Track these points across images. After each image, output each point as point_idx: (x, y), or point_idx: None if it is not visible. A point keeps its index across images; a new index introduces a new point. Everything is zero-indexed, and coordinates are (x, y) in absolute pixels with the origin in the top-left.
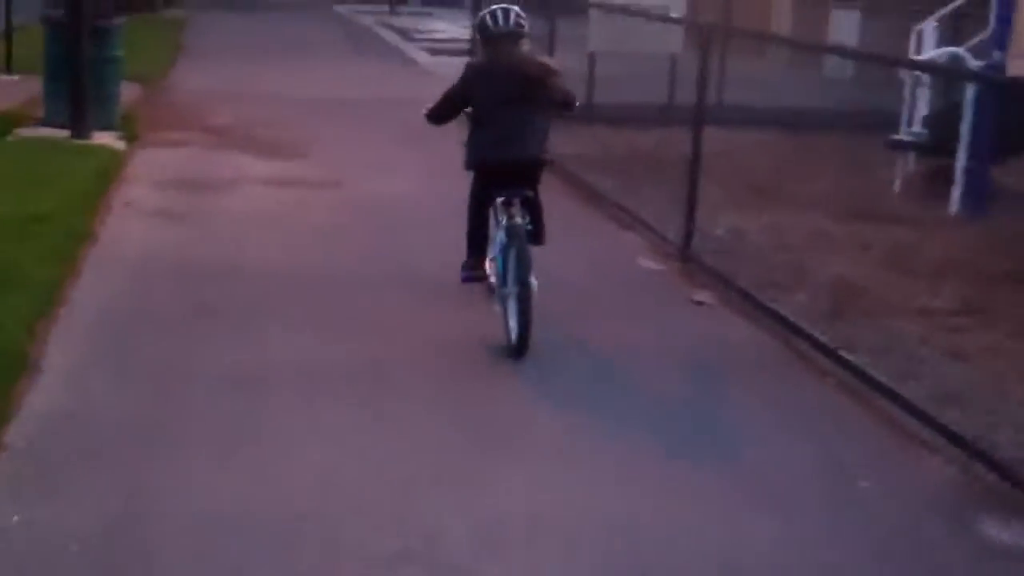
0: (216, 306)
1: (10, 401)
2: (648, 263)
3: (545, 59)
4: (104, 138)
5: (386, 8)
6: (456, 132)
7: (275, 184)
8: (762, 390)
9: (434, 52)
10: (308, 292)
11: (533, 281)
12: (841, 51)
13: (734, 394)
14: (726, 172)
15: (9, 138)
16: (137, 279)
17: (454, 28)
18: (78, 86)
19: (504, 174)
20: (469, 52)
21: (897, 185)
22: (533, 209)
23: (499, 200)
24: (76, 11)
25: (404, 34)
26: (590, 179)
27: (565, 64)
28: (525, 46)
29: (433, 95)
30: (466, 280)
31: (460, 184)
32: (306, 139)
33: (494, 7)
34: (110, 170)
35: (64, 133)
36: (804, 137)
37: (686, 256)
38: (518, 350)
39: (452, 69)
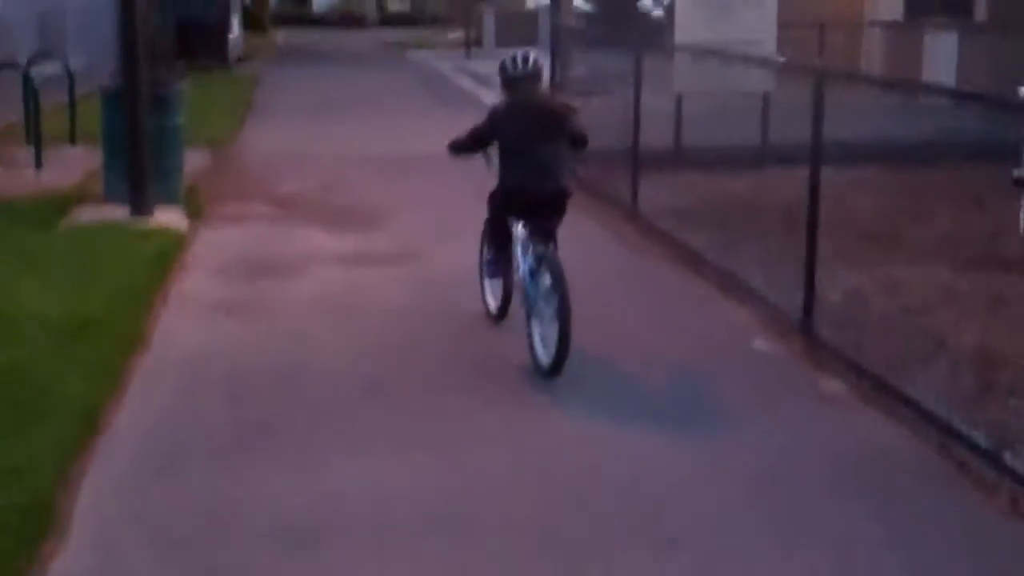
0: (274, 425)
1: (35, 567)
2: (762, 344)
3: (563, 99)
4: (166, 215)
5: (462, 52)
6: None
7: (346, 262)
8: (925, 526)
9: (484, 83)
10: (381, 401)
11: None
12: (966, 95)
13: (887, 535)
14: (831, 219)
15: (63, 222)
16: (187, 394)
17: None
18: (137, 161)
19: (537, 205)
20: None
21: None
22: (553, 243)
23: (525, 230)
24: (133, 80)
25: (481, 80)
26: (684, 235)
27: (650, 105)
28: (542, 87)
29: None
30: (488, 276)
31: (572, 254)
32: (381, 204)
33: (514, 52)
34: (169, 255)
35: (123, 212)
36: (909, 173)
37: (806, 332)
38: (554, 367)
39: None
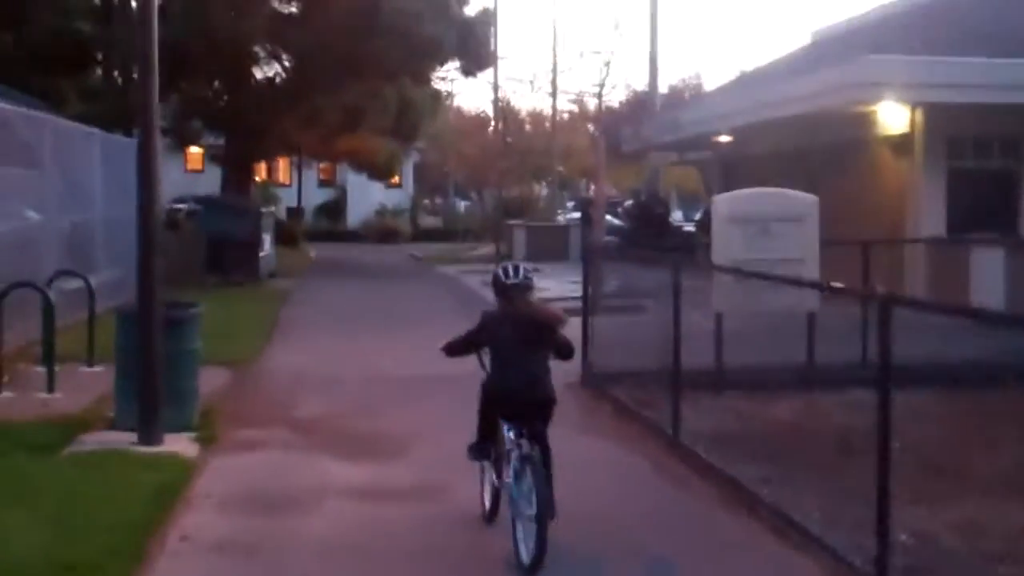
0: None
1: None
2: None
3: (556, 310)
4: (176, 442)
5: (492, 266)
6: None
7: (363, 497)
8: None
9: None
10: None
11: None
12: None
13: None
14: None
15: (66, 449)
16: None
17: (560, 286)
18: (148, 387)
19: (521, 408)
20: (583, 312)
21: None
22: (546, 452)
23: (511, 433)
24: (147, 303)
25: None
26: (732, 468)
27: (690, 321)
28: (533, 296)
29: None
30: (473, 456)
31: (606, 487)
32: (405, 429)
33: (505, 263)
34: (173, 488)
35: (131, 438)
36: (970, 396)
37: None
38: (532, 568)
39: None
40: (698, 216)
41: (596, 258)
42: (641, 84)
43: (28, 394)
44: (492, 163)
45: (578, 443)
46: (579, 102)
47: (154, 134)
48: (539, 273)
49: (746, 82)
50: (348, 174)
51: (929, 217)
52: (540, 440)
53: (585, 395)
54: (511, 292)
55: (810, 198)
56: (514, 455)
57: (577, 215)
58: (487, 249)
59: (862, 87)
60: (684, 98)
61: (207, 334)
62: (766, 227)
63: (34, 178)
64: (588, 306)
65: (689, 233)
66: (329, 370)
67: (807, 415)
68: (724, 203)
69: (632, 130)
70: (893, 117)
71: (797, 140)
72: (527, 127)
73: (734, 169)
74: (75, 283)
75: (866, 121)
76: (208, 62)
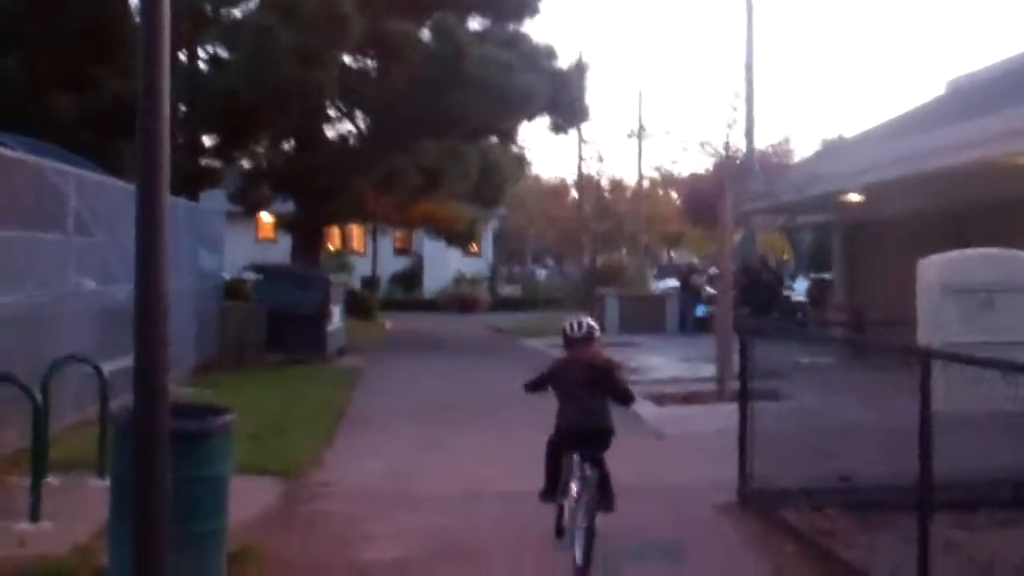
0: None
1: None
2: None
3: (609, 356)
4: None
5: None
6: None
7: None
8: None
9: (659, 401)
10: None
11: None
12: None
13: None
14: None
15: None
16: None
17: (671, 364)
18: (145, 533)
19: (581, 438)
20: (740, 405)
21: None
22: (602, 474)
23: (576, 458)
24: (148, 412)
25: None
26: None
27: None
28: (597, 345)
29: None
30: (543, 500)
31: None
32: None
33: (571, 320)
34: None
35: None
36: None
37: None
38: (584, 560)
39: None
40: (805, 285)
41: (750, 337)
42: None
43: (3, 524)
44: (584, 228)
45: None
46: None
47: (160, 176)
48: (639, 348)
49: (880, 135)
50: (425, 241)
51: None
52: (597, 465)
53: (748, 524)
54: (576, 343)
55: None
56: (577, 477)
57: (669, 284)
58: None
59: None
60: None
61: (253, 432)
62: (990, 300)
63: (87, 244)
64: (746, 398)
65: (800, 303)
66: (410, 484)
67: None
68: (934, 269)
69: (766, 186)
70: None
71: (947, 198)
72: (607, 194)
73: (860, 233)
74: (118, 364)
75: None
76: (274, 117)
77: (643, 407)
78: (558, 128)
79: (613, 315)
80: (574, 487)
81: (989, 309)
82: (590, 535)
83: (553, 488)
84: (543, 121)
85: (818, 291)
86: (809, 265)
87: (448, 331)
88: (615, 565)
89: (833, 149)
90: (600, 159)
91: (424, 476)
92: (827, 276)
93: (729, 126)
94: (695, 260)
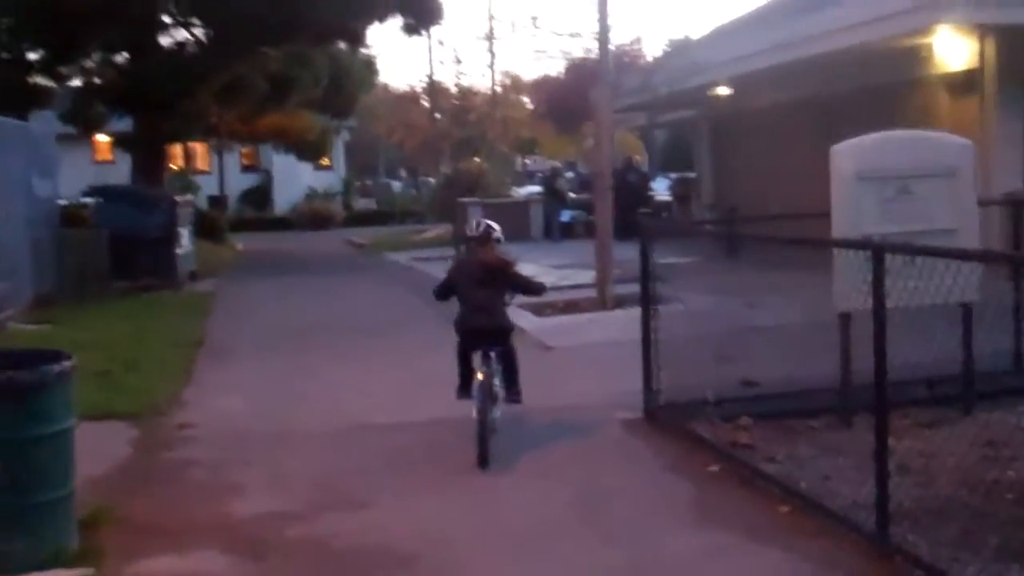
0: None
1: None
2: None
3: (504, 255)
4: None
5: (449, 252)
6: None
7: None
8: None
9: (538, 311)
10: None
11: (497, 413)
12: None
13: None
14: None
15: None
16: None
17: (543, 272)
18: None
19: (476, 335)
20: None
21: None
22: (508, 363)
23: (478, 353)
24: None
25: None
26: None
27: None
28: (495, 247)
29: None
30: (459, 397)
31: None
32: (420, 533)
33: (472, 221)
34: None
35: None
36: None
37: None
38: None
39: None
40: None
41: (651, 238)
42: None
43: None
44: (443, 136)
45: (704, 552)
46: (510, 74)
47: None
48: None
49: (743, 26)
50: (273, 156)
51: (1004, 173)
52: (501, 357)
53: (660, 441)
54: (473, 243)
55: (963, 143)
56: (481, 367)
57: (532, 190)
58: (437, 231)
59: (914, 12)
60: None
61: (102, 368)
62: (906, 186)
63: None
64: (648, 305)
65: (666, 202)
66: (283, 421)
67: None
68: (847, 156)
69: (641, 80)
70: (954, 49)
71: (816, 87)
72: (456, 101)
73: (727, 128)
74: None
75: (913, 58)
76: (104, 27)
77: (523, 317)
78: (411, 29)
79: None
80: (479, 375)
81: (905, 197)
82: (490, 429)
83: (466, 386)
84: (395, 23)
85: (683, 189)
86: (663, 165)
87: (305, 249)
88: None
89: (697, 44)
90: (457, 61)
91: (298, 411)
92: (689, 174)
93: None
94: (557, 164)
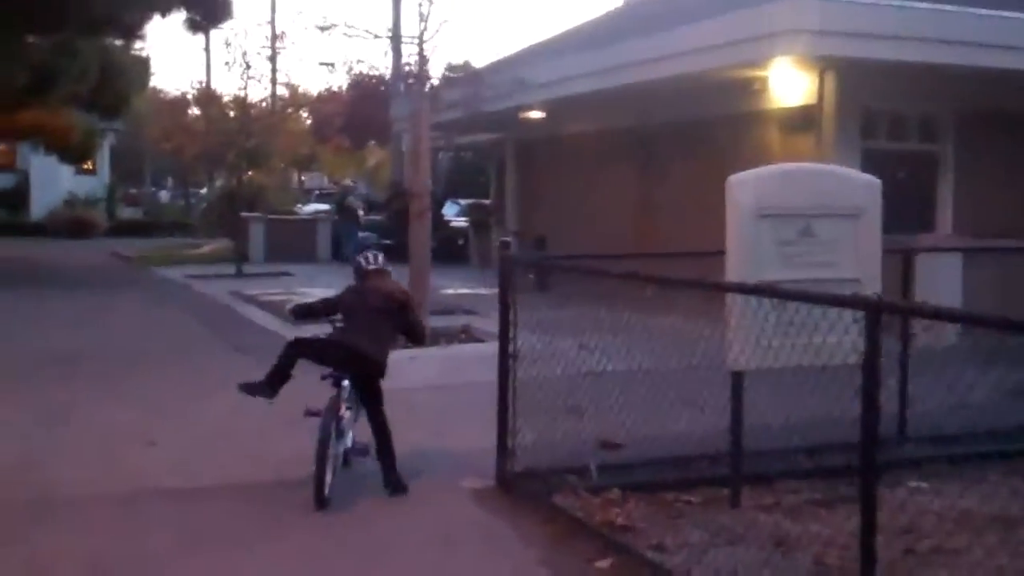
0: None
1: None
2: None
3: (404, 289)
4: None
5: (225, 269)
6: None
7: None
8: None
9: None
10: None
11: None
12: None
13: None
14: None
15: None
16: None
17: (332, 292)
18: None
19: (348, 356)
20: (500, 364)
21: None
22: (374, 407)
23: (346, 386)
24: None
25: (280, 313)
26: None
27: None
28: (389, 279)
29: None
30: (246, 391)
31: None
32: None
33: (366, 253)
34: None
35: None
36: None
37: None
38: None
39: (402, 381)
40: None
41: (514, 269)
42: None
43: None
44: (227, 146)
45: None
46: (291, 87)
47: None
48: (294, 278)
49: (560, 48)
50: (31, 156)
51: None
52: (374, 416)
53: (523, 517)
54: (371, 275)
55: (870, 181)
56: (347, 405)
57: (315, 207)
58: (213, 246)
59: (751, 42)
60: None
61: None
62: (808, 227)
63: None
64: (507, 351)
65: (461, 229)
66: (35, 486)
67: None
68: (747, 189)
69: (463, 94)
70: (791, 83)
71: (640, 116)
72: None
73: (537, 153)
74: None
75: (746, 91)
76: None
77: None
78: (195, 26)
79: (258, 242)
80: (347, 414)
81: (809, 238)
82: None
83: (271, 384)
84: (178, 17)
85: (479, 216)
86: (446, 190)
87: (64, 259)
88: None
89: (516, 61)
90: (246, 66)
91: (60, 469)
92: (484, 201)
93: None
94: (348, 181)
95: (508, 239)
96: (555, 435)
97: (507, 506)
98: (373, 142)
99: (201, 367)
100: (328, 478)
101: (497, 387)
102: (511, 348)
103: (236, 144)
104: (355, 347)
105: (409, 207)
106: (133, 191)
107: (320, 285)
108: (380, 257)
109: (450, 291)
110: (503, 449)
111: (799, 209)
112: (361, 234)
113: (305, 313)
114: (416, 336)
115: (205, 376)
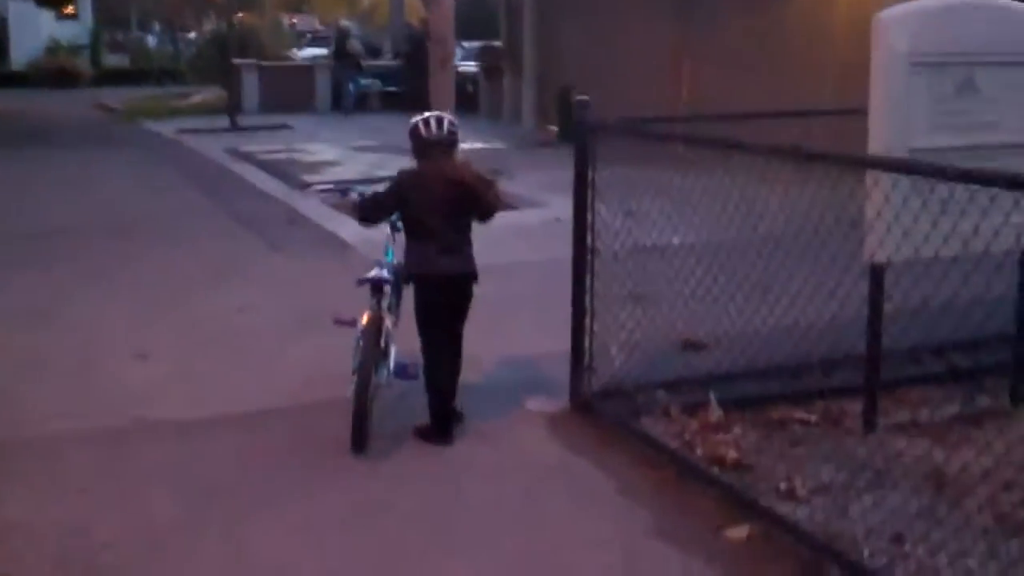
0: None
1: None
2: None
3: (477, 168)
4: None
5: (219, 122)
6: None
7: None
8: None
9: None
10: None
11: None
12: None
13: None
14: None
15: None
16: None
17: (347, 156)
18: None
19: (448, 289)
20: (575, 261)
21: None
22: (455, 360)
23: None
24: None
25: (284, 175)
26: None
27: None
28: (458, 155)
29: None
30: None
31: None
32: None
33: (427, 115)
34: None
35: None
36: None
37: None
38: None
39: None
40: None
41: (594, 136)
42: None
43: None
44: None
45: None
46: None
47: None
48: (293, 132)
49: None
50: (8, 2)
51: None
52: (455, 355)
53: (611, 456)
54: (432, 149)
55: None
56: (373, 297)
57: (314, 52)
58: (204, 96)
59: None
60: None
61: None
62: (970, 79)
63: None
64: (585, 238)
65: (470, 75)
66: (9, 409)
67: None
68: (899, 28)
69: None
70: None
71: None
72: None
73: None
74: None
75: None
76: None
77: (342, 225)
78: None
79: (252, 91)
80: (365, 317)
81: (969, 93)
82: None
83: (440, 398)
84: None
85: (491, 60)
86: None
87: (47, 112)
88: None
89: None
90: None
91: (34, 387)
92: (495, 43)
93: None
94: (346, 22)
95: (586, 99)
96: (634, 336)
97: (590, 439)
98: None
99: (198, 246)
100: (370, 416)
101: (572, 289)
102: (589, 240)
103: None
104: (453, 273)
105: (420, 51)
106: (119, 37)
107: (322, 140)
108: (446, 123)
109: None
110: (578, 365)
111: (962, 56)
112: (363, 81)
113: (375, 211)
114: (488, 215)
115: (203, 257)
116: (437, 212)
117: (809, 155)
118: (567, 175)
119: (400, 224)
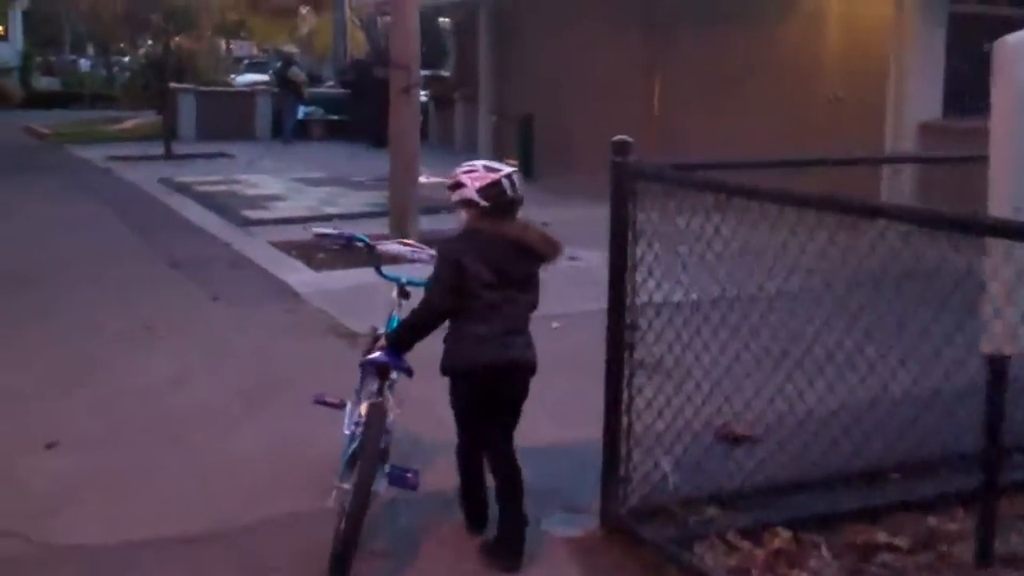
0: None
1: None
2: None
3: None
4: None
5: (152, 148)
6: None
7: None
8: None
9: (311, 259)
10: None
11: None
12: None
13: None
14: None
15: None
16: None
17: (293, 189)
18: None
19: (513, 379)
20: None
21: None
22: (511, 464)
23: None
24: None
25: (224, 209)
26: None
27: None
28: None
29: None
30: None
31: None
32: None
33: (495, 165)
34: None
35: None
36: None
37: None
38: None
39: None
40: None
41: (637, 184)
42: None
43: None
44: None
45: None
46: None
47: None
48: (234, 161)
49: None
50: None
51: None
52: (508, 439)
53: None
54: (505, 209)
55: None
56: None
57: (252, 78)
58: (137, 121)
59: None
60: None
61: None
62: None
63: None
64: (623, 327)
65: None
66: None
67: None
68: None
69: None
70: None
71: None
72: None
73: (518, 21)
74: None
75: None
76: None
77: (292, 271)
78: None
79: (189, 117)
80: (364, 406)
81: None
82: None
83: (478, 507)
84: None
85: (440, 90)
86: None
87: None
88: None
89: None
90: None
91: None
92: (442, 73)
93: None
94: (289, 48)
95: (627, 139)
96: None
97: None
98: (307, 8)
99: (125, 296)
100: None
101: (604, 381)
102: (627, 316)
103: (164, 3)
104: (520, 362)
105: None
106: (51, 59)
107: (265, 171)
108: (516, 178)
109: (422, 179)
110: (611, 477)
111: None
112: (306, 109)
113: (435, 316)
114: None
115: (130, 311)
116: (505, 287)
117: (919, 218)
118: (544, 212)
119: (409, 288)
